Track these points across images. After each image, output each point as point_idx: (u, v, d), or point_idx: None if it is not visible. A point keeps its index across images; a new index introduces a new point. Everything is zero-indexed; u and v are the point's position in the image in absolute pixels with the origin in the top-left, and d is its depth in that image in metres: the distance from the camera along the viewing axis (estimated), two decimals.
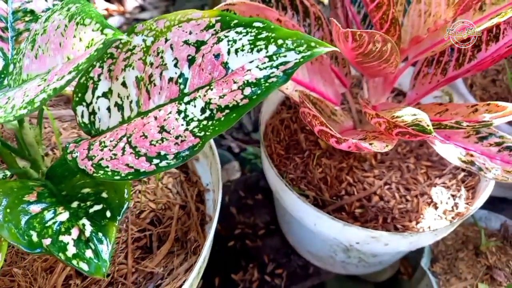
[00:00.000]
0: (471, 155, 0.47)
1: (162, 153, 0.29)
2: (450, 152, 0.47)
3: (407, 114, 0.39)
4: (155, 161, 0.29)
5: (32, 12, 0.42)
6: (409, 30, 0.45)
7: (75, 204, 0.33)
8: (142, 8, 1.66)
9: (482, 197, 0.54)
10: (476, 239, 0.71)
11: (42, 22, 0.30)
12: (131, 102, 0.33)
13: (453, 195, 0.57)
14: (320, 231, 0.53)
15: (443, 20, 0.39)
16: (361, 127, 0.54)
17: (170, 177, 0.52)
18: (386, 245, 0.51)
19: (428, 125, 0.34)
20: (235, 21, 0.29)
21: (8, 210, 0.31)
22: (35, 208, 0.32)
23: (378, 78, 0.50)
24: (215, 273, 0.69)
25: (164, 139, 0.29)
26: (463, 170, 0.59)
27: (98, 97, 0.34)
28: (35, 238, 0.30)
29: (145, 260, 0.44)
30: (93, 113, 0.34)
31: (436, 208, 0.56)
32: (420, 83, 0.51)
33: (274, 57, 0.27)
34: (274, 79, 0.27)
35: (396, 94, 0.69)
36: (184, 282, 0.40)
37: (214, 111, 0.28)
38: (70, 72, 0.25)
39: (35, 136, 0.38)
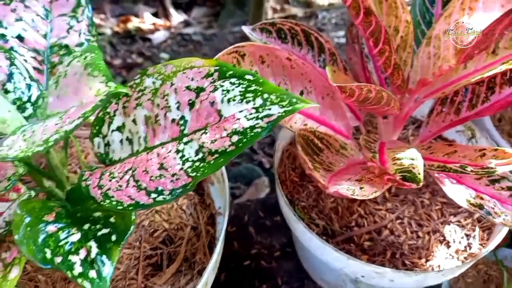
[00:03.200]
0: (481, 198, 0.46)
1: (159, 188, 0.32)
2: (459, 193, 0.47)
3: (407, 157, 0.40)
4: (153, 195, 0.32)
5: (66, 46, 0.46)
6: (419, 71, 0.45)
7: (86, 226, 0.36)
8: (186, 23, 1.74)
9: (497, 239, 0.52)
10: (499, 279, 0.68)
11: (65, 65, 0.35)
12: (139, 137, 0.36)
13: (467, 235, 0.56)
14: (327, 261, 0.54)
15: (447, 66, 0.39)
16: None
17: (185, 199, 0.55)
18: (392, 281, 0.51)
19: (419, 174, 0.34)
20: (230, 72, 0.31)
21: (28, 228, 0.35)
22: (52, 228, 0.35)
23: (389, 116, 0.50)
24: None
25: (162, 176, 0.32)
26: None
27: (113, 130, 0.38)
28: (48, 255, 0.33)
29: (154, 277, 0.48)
30: (107, 144, 0.38)
31: (448, 246, 0.55)
32: (433, 121, 0.51)
33: (260, 109, 0.29)
34: (259, 130, 0.29)
35: (418, 126, 0.68)
36: None
37: (206, 154, 0.31)
38: (78, 118, 0.28)
39: (61, 160, 0.43)
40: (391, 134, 0.51)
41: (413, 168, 0.36)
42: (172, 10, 1.73)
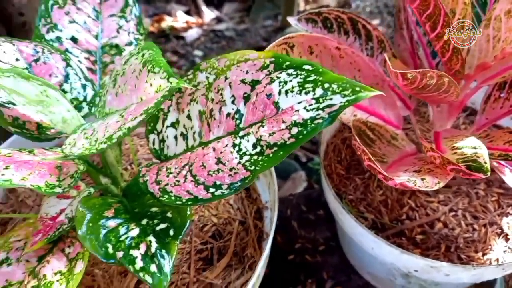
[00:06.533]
0: None
1: (218, 183, 0.32)
2: None
3: (468, 146, 0.38)
4: (211, 190, 0.32)
5: (117, 46, 0.47)
6: (476, 55, 0.43)
7: (144, 221, 0.37)
8: (218, 20, 1.74)
9: None
10: None
11: (122, 64, 0.35)
12: (194, 132, 0.36)
13: None
14: (378, 255, 0.53)
15: (511, 48, 0.37)
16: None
17: None
18: (447, 275, 0.49)
19: (485, 163, 0.33)
20: (287, 63, 0.31)
21: (90, 224, 0.36)
22: (112, 223, 0.36)
23: (443, 104, 0.48)
24: (274, 285, 0.71)
25: (220, 170, 0.32)
26: None
27: (167, 126, 0.38)
28: (110, 250, 0.34)
29: (205, 271, 0.48)
30: (162, 140, 0.38)
31: (506, 239, 0.52)
32: (490, 107, 0.49)
33: (321, 100, 0.28)
34: (320, 121, 0.28)
35: (469, 114, 0.65)
36: None
37: (264, 148, 0.30)
38: (141, 114, 0.29)
39: (115, 157, 0.44)
40: (444, 122, 0.49)
41: (478, 157, 0.34)
42: (204, 7, 1.74)
